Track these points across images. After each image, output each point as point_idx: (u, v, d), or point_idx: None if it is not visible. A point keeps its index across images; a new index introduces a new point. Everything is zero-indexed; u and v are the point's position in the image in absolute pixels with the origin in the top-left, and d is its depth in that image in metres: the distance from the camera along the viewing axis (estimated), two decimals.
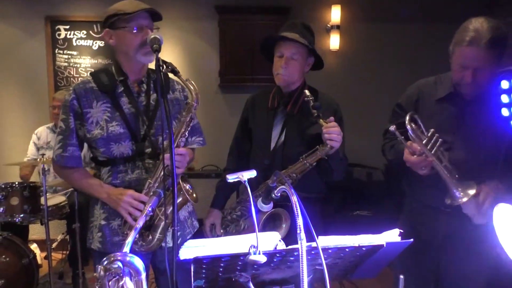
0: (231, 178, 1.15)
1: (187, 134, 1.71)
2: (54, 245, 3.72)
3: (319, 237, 1.10)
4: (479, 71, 1.60)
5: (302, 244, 1.03)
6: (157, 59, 1.44)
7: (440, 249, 1.83)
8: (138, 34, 1.68)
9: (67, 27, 4.39)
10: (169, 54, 4.41)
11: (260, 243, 1.05)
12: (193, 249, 1.09)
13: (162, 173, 1.62)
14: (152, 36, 1.54)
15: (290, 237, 1.57)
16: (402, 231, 1.22)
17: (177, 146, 1.67)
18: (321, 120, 1.77)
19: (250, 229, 1.91)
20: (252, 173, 1.17)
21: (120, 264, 1.05)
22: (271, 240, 1.18)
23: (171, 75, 1.76)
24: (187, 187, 1.72)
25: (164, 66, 1.51)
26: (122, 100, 1.74)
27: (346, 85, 4.58)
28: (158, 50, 1.48)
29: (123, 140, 1.72)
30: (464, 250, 1.78)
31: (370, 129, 3.46)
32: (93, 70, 1.89)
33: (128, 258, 1.07)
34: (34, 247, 3.58)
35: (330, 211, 4.05)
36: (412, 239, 1.20)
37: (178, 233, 1.83)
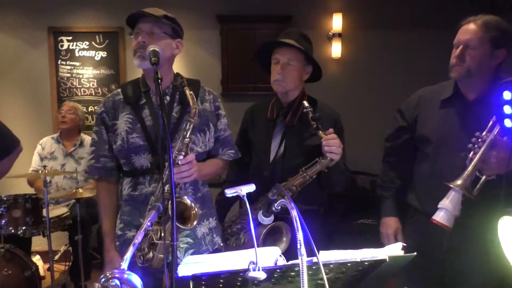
0: (229, 193, 1.13)
1: (184, 151, 1.63)
2: (56, 257, 3.71)
3: (320, 252, 1.08)
4: (468, 50, 1.68)
5: (303, 260, 1.01)
6: (155, 72, 1.41)
7: (445, 262, 1.80)
8: (135, 38, 1.70)
9: (70, 38, 4.41)
10: None
11: (260, 259, 1.03)
12: (191, 265, 1.07)
13: (162, 189, 1.57)
14: (151, 49, 1.52)
15: (291, 251, 1.54)
16: (405, 244, 1.20)
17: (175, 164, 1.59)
18: (320, 131, 1.72)
19: (250, 243, 1.86)
20: (251, 187, 1.15)
21: (117, 282, 1.03)
22: (271, 256, 1.16)
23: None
24: (195, 207, 1.61)
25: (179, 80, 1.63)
26: (144, 112, 1.74)
27: (348, 92, 4.57)
28: (156, 63, 1.46)
29: (143, 152, 1.72)
30: (470, 262, 1.75)
31: (373, 136, 3.44)
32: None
33: (126, 276, 1.05)
34: (37, 258, 3.55)
35: (334, 220, 4.00)
36: (415, 253, 1.18)
37: (191, 251, 1.79)
